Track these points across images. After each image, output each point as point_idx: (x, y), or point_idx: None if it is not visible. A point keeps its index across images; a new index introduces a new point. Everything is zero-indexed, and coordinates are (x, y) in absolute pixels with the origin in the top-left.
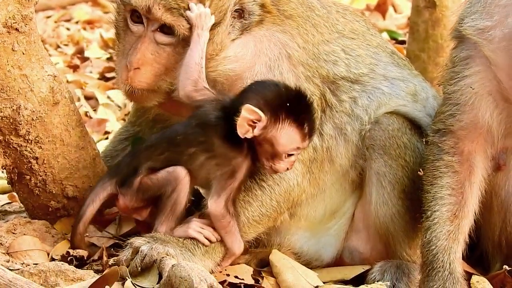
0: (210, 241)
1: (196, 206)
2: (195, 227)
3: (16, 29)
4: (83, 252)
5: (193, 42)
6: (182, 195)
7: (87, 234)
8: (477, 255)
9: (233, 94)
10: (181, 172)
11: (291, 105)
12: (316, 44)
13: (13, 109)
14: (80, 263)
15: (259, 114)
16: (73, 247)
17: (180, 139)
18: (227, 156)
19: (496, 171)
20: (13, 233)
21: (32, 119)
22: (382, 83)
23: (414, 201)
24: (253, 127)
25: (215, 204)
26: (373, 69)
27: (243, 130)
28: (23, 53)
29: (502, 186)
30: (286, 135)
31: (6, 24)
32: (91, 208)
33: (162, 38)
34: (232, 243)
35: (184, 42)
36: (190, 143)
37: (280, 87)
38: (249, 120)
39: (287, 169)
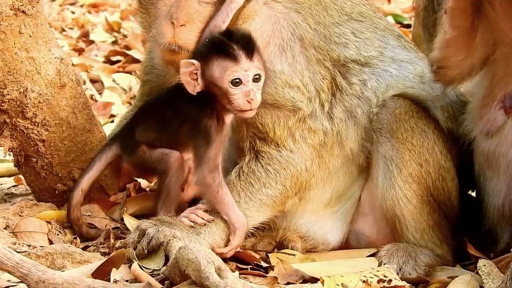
0: (196, 222)
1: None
2: (185, 213)
3: (23, 12)
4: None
5: (224, 5)
6: (174, 180)
7: (89, 213)
8: (486, 230)
9: None
10: (173, 157)
11: (213, 40)
12: (328, 26)
13: (20, 92)
14: (86, 245)
15: (191, 62)
16: (68, 216)
17: (163, 107)
18: (195, 118)
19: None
20: (20, 215)
21: (39, 102)
22: (391, 66)
23: (421, 184)
24: (196, 79)
25: (197, 175)
26: (381, 52)
27: (190, 86)
28: (30, 36)
29: (509, 144)
30: (217, 66)
31: (13, 6)
32: (93, 169)
33: None
34: (229, 215)
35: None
36: (170, 107)
37: (213, 34)
38: (188, 73)
39: (250, 106)
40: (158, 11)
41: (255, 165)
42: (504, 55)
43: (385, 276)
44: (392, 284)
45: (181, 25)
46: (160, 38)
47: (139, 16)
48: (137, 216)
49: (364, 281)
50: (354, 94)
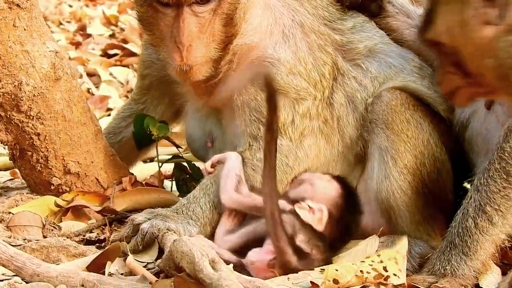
0: None
1: None
2: None
3: (18, 5)
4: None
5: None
6: None
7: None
8: None
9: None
10: None
11: None
12: (325, 7)
13: (14, 85)
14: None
15: None
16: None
17: None
18: None
19: None
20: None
21: (34, 95)
22: (392, 57)
23: (416, 176)
24: None
25: None
26: (382, 41)
27: None
28: (25, 29)
29: (480, 124)
30: None
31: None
32: None
33: (200, 8)
34: None
35: (220, 3)
36: None
37: None
38: None
39: None
40: (162, 32)
41: (257, 153)
42: None
43: (385, 270)
44: (389, 281)
45: (187, 47)
46: (170, 61)
47: (145, 35)
48: (131, 210)
49: (358, 276)
50: (355, 77)
